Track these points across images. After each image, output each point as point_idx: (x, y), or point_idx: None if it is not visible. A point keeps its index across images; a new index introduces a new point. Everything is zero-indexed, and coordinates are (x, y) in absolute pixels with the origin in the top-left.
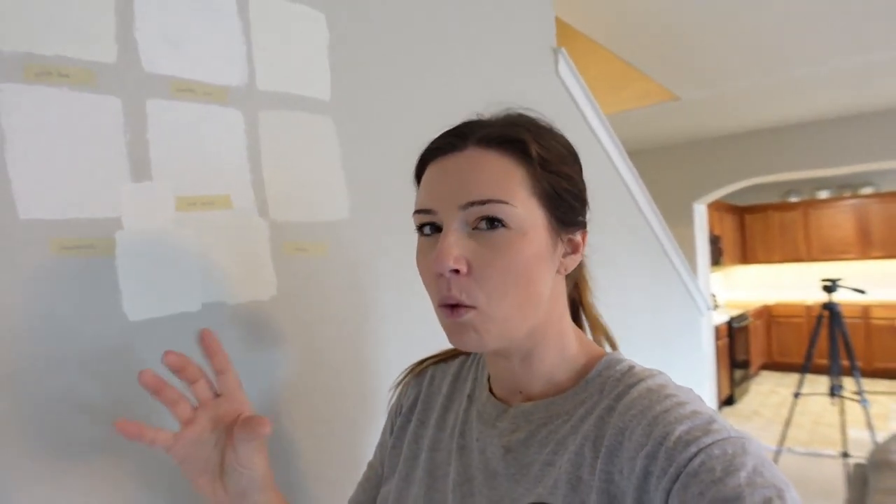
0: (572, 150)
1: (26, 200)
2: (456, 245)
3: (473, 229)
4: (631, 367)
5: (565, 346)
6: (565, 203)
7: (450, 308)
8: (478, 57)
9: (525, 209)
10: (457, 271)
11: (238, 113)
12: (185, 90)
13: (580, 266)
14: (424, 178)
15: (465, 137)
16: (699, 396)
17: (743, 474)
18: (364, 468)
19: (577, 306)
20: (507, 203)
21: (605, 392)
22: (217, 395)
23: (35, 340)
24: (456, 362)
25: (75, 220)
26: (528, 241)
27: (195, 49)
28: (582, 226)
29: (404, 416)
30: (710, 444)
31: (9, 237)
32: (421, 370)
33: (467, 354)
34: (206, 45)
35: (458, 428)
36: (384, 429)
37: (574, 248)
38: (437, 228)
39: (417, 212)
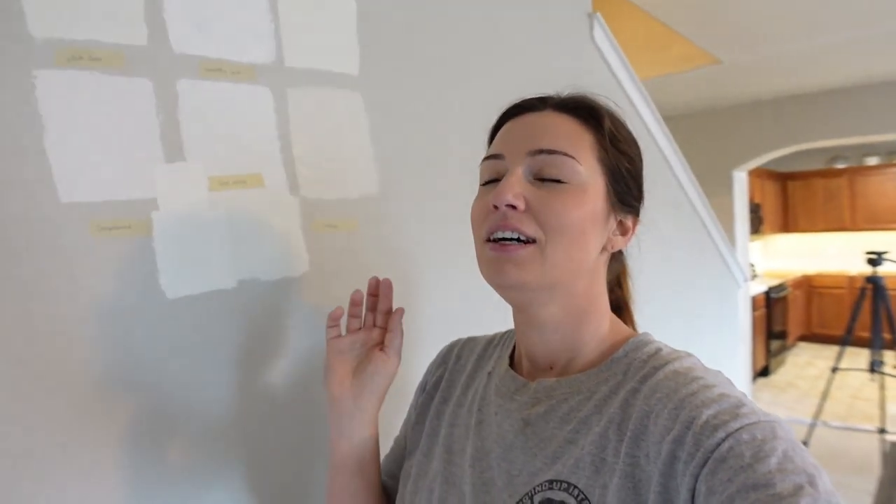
0: (637, 143)
1: (66, 184)
2: (518, 184)
3: (536, 179)
4: (658, 350)
5: (595, 324)
6: (624, 181)
7: (497, 244)
8: (510, 25)
9: (588, 170)
10: (514, 207)
11: (267, 91)
12: (215, 70)
13: (623, 263)
14: (501, 131)
15: (545, 101)
16: (728, 379)
17: (773, 460)
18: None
19: (619, 303)
20: (573, 158)
21: (630, 373)
22: (377, 327)
23: (77, 320)
24: (483, 341)
25: (112, 201)
26: (586, 198)
27: (223, 28)
28: (635, 212)
29: (427, 394)
30: (738, 429)
31: (51, 220)
32: (449, 349)
33: (493, 336)
34: (234, 23)
35: (477, 403)
36: (411, 405)
37: (624, 231)
38: (498, 181)
39: (486, 159)
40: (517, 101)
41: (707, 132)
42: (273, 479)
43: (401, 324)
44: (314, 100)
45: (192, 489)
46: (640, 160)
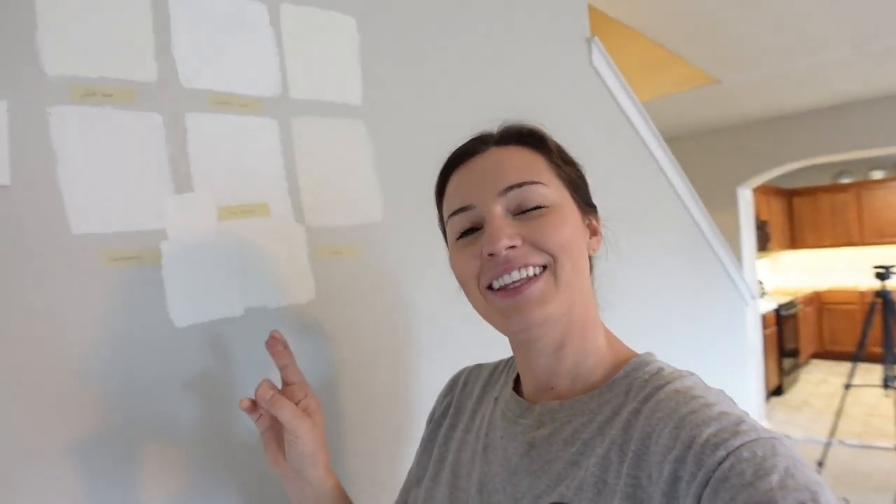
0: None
1: (78, 216)
2: (507, 224)
3: (517, 214)
4: (660, 370)
5: (592, 337)
6: (581, 187)
7: (508, 290)
8: (510, 52)
9: (555, 189)
10: (513, 247)
11: (273, 122)
12: (222, 103)
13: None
14: (451, 185)
15: (484, 141)
16: (730, 398)
17: (774, 477)
18: (403, 466)
19: None
20: (541, 183)
21: (632, 394)
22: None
23: (88, 348)
24: (489, 367)
25: (123, 232)
26: (567, 215)
27: (230, 62)
28: (595, 210)
29: (436, 422)
30: (739, 447)
31: (63, 251)
32: (455, 377)
33: (498, 361)
34: (241, 57)
35: (485, 429)
36: (422, 437)
37: (594, 231)
38: (476, 230)
39: (454, 214)
40: (456, 150)
41: (710, 151)
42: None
43: (297, 372)
44: (318, 130)
45: None
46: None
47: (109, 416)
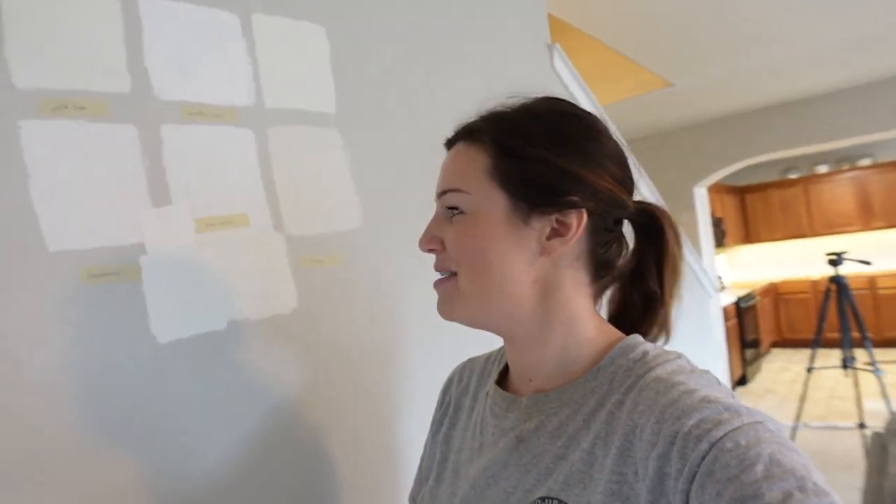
0: (559, 132)
1: (54, 233)
2: (434, 228)
3: (450, 216)
4: (644, 354)
5: (576, 331)
6: (534, 185)
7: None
8: (474, 58)
9: (481, 194)
10: (433, 250)
11: (248, 132)
12: (196, 113)
13: (660, 253)
14: None
15: (454, 137)
16: (716, 379)
17: (759, 467)
18: (394, 471)
19: (650, 300)
20: (459, 191)
21: (616, 383)
22: None
23: (68, 367)
24: (482, 359)
25: (101, 248)
26: (482, 222)
27: (203, 72)
28: (571, 206)
29: (438, 422)
30: (721, 438)
31: (40, 269)
32: (450, 376)
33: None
34: (214, 67)
35: (480, 426)
36: (426, 440)
37: (564, 231)
38: None
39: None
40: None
41: (666, 152)
42: None
43: None
44: (294, 138)
45: None
46: (563, 149)
47: (92, 437)
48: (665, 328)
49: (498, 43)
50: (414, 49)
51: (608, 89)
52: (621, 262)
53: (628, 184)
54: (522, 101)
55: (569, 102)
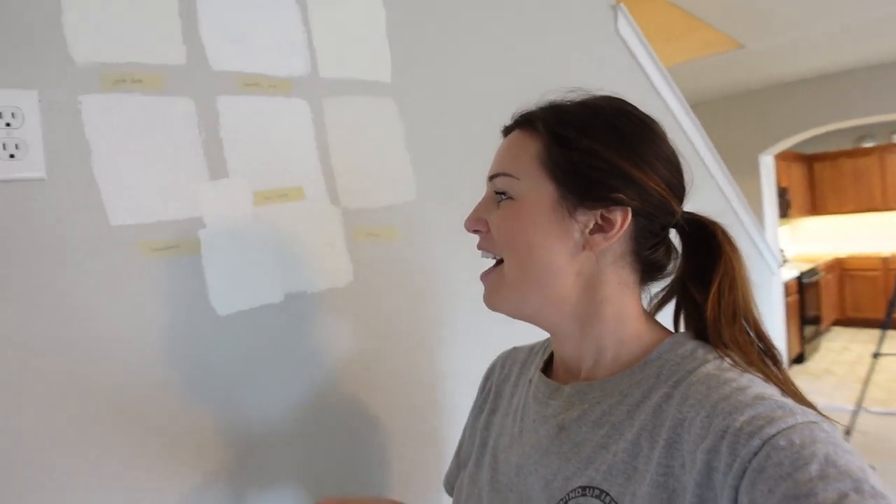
0: (614, 128)
1: (115, 207)
2: (481, 209)
3: (499, 200)
4: (694, 350)
5: (622, 328)
6: (583, 178)
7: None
8: (536, 22)
9: (530, 181)
10: (477, 231)
11: (304, 103)
12: (252, 84)
13: (714, 271)
14: None
15: (512, 124)
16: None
17: (814, 467)
18: (441, 446)
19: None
20: (509, 175)
21: (663, 377)
22: None
23: (129, 340)
24: (525, 349)
25: (161, 222)
26: (528, 208)
27: (258, 43)
28: (617, 203)
29: (478, 408)
30: (774, 435)
31: (102, 243)
32: (493, 363)
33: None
34: (268, 37)
35: (521, 412)
36: (465, 423)
37: (608, 227)
38: None
39: None
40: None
41: (732, 117)
42: (326, 481)
43: None
44: (349, 109)
45: (257, 493)
46: (617, 145)
47: (156, 406)
48: (767, 356)
49: (560, 8)
50: (473, 16)
51: (672, 49)
52: (670, 266)
53: (679, 191)
54: (583, 95)
55: (629, 102)
